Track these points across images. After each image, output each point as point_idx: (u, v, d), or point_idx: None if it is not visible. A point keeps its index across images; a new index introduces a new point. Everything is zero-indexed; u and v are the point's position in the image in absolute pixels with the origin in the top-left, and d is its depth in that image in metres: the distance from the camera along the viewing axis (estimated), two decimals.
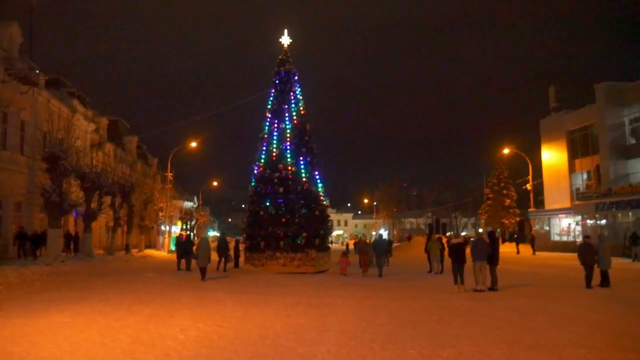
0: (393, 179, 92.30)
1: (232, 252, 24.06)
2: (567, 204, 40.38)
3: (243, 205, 26.23)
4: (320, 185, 24.59)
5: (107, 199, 32.51)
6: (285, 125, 23.62)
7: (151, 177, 51.81)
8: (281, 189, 22.64)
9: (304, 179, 23.05)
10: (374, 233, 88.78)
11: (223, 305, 11.83)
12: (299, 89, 25.04)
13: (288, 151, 23.08)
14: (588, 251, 15.42)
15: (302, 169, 23.24)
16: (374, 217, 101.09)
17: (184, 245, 23.03)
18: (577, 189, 40.67)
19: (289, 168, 22.68)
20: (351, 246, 40.73)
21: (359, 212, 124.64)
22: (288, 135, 23.39)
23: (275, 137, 23.48)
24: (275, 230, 22.21)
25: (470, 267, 14.72)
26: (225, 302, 12.35)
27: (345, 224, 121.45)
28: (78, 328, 8.81)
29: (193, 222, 63.20)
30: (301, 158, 23.47)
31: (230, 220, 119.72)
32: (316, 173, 24.56)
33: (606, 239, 18.79)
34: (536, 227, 45.11)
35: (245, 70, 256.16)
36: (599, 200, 34.95)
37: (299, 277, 19.40)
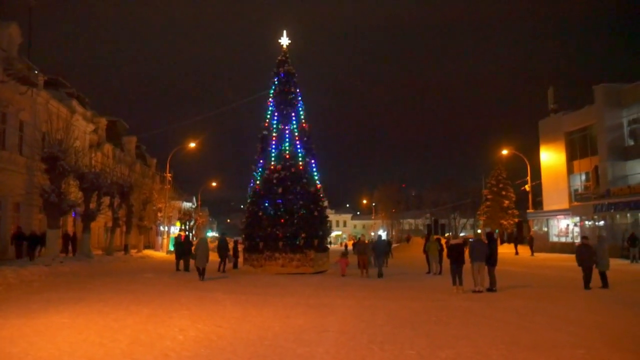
0: (392, 180, 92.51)
1: (231, 253, 24.07)
2: (566, 205, 40.41)
3: (242, 206, 26.19)
4: (317, 175, 24.52)
5: (106, 200, 32.47)
6: (284, 125, 23.62)
7: (150, 178, 51.77)
8: (280, 190, 22.67)
9: (304, 180, 23.06)
10: (372, 234, 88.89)
11: (222, 305, 11.83)
12: (298, 90, 25.05)
13: (287, 152, 23.09)
14: (586, 252, 15.44)
15: (300, 169, 23.22)
16: (373, 217, 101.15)
17: (182, 246, 23.03)
18: (576, 190, 40.69)
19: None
20: (350, 247, 40.72)
21: (358, 213, 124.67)
22: (287, 135, 23.40)
23: (274, 138, 23.48)
24: (274, 231, 22.22)
25: (469, 268, 14.74)
26: (224, 302, 12.35)
27: (344, 224, 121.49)
28: (77, 328, 8.81)
29: (192, 223, 63.19)
30: (300, 158, 23.46)
31: (229, 220, 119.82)
32: (315, 173, 24.55)
33: (605, 240, 18.81)
34: (535, 228, 45.15)
35: (245, 71, 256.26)
36: (597, 202, 34.99)
37: (297, 278, 19.41)
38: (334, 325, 9.28)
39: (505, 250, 39.42)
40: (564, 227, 41.18)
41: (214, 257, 23.93)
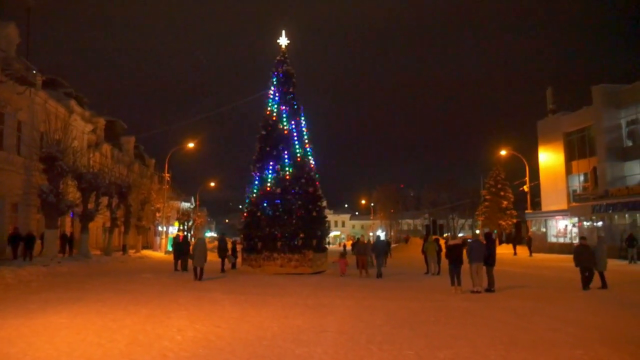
0: (390, 180, 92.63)
1: (229, 253, 24.05)
2: (564, 206, 40.47)
3: (240, 206, 26.20)
4: (317, 185, 24.56)
5: (104, 200, 32.44)
6: (283, 125, 23.62)
7: (148, 178, 51.70)
8: (278, 190, 22.67)
9: (302, 180, 23.06)
10: (371, 234, 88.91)
11: (220, 306, 11.82)
12: (297, 89, 25.07)
13: (284, 152, 23.08)
14: (584, 253, 15.44)
15: (299, 169, 23.22)
16: (372, 218, 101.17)
17: (181, 246, 23.02)
18: (574, 191, 40.74)
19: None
20: (348, 247, 40.72)
21: (357, 213, 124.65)
22: (285, 135, 23.39)
23: (272, 138, 23.47)
24: (273, 231, 22.22)
25: (467, 269, 14.75)
26: (223, 302, 12.34)
27: (343, 224, 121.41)
28: (75, 329, 8.79)
29: (190, 223, 63.13)
30: (298, 158, 23.46)
31: (227, 220, 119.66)
32: (313, 173, 24.53)
33: (604, 240, 18.83)
34: (533, 228, 45.20)
35: (243, 71, 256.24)
36: (595, 202, 35.05)
37: (296, 278, 19.40)
38: (333, 326, 9.28)
39: (503, 250, 39.46)
40: (563, 228, 41.25)
41: (213, 257, 23.91)
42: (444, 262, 17.50)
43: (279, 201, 22.58)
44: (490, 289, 14.67)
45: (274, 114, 23.91)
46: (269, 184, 22.86)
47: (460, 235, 71.37)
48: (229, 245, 24.47)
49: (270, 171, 22.99)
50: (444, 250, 19.76)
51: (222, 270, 22.48)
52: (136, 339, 8.01)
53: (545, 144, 43.99)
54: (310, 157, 24.55)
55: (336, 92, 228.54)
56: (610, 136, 35.86)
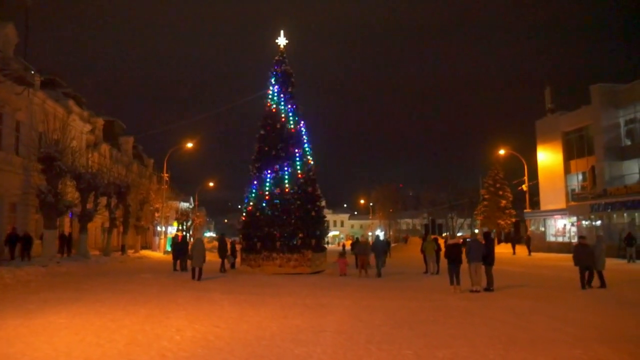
0: (389, 180, 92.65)
1: (228, 253, 24.03)
2: (563, 205, 40.52)
3: (239, 206, 26.20)
4: (316, 185, 24.56)
5: (103, 200, 32.39)
6: (282, 125, 23.62)
7: (147, 178, 51.63)
8: (277, 190, 22.67)
9: (299, 178, 23.05)
10: (370, 233, 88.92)
11: (219, 305, 11.82)
12: (296, 89, 25.06)
13: (283, 152, 23.07)
14: (583, 252, 15.45)
15: (298, 168, 23.24)
16: (370, 217, 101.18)
17: (180, 246, 23.00)
18: (573, 190, 40.80)
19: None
20: (348, 247, 40.70)
21: (355, 213, 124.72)
22: (284, 135, 23.39)
23: (271, 138, 23.46)
24: (272, 231, 22.22)
25: (466, 268, 14.76)
26: (222, 302, 12.33)
27: (342, 224, 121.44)
28: (74, 329, 8.78)
29: (189, 223, 63.06)
30: (298, 158, 23.46)
31: (226, 220, 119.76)
32: (312, 173, 24.54)
33: (603, 239, 18.85)
34: (532, 228, 45.24)
35: (242, 71, 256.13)
36: (594, 202, 35.08)
37: (295, 278, 19.41)
38: (332, 326, 9.28)
39: (502, 250, 39.50)
40: (561, 227, 41.29)
41: (212, 257, 23.88)
42: (443, 261, 17.51)
43: (277, 201, 22.58)
44: (489, 288, 14.68)
45: (275, 113, 23.87)
46: (267, 184, 22.85)
47: (459, 234, 71.42)
48: (228, 246, 24.46)
49: (269, 171, 22.97)
50: (443, 249, 19.77)
51: (222, 270, 22.47)
52: (135, 339, 8.01)
53: (544, 144, 44.03)
54: (309, 157, 24.55)
55: (335, 92, 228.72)
56: (609, 135, 35.91)
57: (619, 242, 30.66)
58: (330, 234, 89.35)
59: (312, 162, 24.69)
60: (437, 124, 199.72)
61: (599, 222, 35.38)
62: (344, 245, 42.19)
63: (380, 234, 78.87)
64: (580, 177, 40.30)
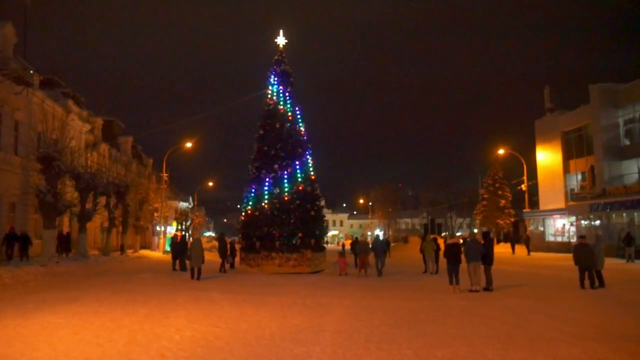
0: (389, 179, 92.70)
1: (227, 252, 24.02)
2: (562, 205, 40.54)
3: (238, 206, 26.19)
4: (316, 185, 24.53)
5: (102, 200, 32.36)
6: (281, 125, 23.60)
7: (146, 178, 51.61)
8: (277, 190, 22.66)
9: (299, 179, 23.05)
10: (369, 233, 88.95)
11: (219, 305, 11.81)
12: (295, 89, 25.06)
13: (282, 152, 23.05)
14: (583, 252, 15.44)
15: (297, 169, 23.23)
16: (370, 217, 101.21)
17: (179, 246, 22.98)
18: (572, 190, 40.84)
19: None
20: (347, 246, 40.70)
21: (355, 213, 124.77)
22: (283, 135, 23.38)
23: (270, 137, 23.45)
24: (271, 231, 22.21)
25: (466, 268, 14.76)
26: (221, 302, 12.33)
27: (341, 224, 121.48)
28: (73, 329, 8.78)
29: (188, 223, 63.04)
30: (296, 158, 23.44)
31: (225, 220, 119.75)
32: (311, 173, 24.52)
33: (602, 239, 18.84)
34: (531, 227, 45.27)
35: (241, 71, 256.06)
36: (593, 201, 35.10)
37: (294, 278, 19.41)
38: (331, 325, 9.28)
39: (501, 249, 39.54)
40: (560, 227, 41.31)
41: (211, 257, 23.86)
42: (442, 261, 17.51)
43: (276, 201, 22.56)
44: (488, 287, 14.69)
45: (274, 113, 23.86)
46: (267, 184, 22.83)
47: (458, 234, 71.45)
48: (228, 245, 24.43)
49: (268, 171, 22.95)
50: (442, 249, 19.77)
51: (222, 270, 22.47)
52: (134, 339, 8.00)
53: (543, 143, 44.06)
54: (308, 156, 24.53)
55: (335, 92, 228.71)
56: (608, 135, 35.92)
57: (618, 241, 30.68)
58: (330, 233, 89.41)
59: (311, 162, 24.66)
60: (437, 123, 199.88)
61: (598, 222, 35.40)
62: (343, 245, 42.19)
63: (380, 233, 78.92)
64: (580, 176, 40.33)
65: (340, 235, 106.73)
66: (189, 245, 22.58)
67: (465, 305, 12.01)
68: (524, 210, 47.20)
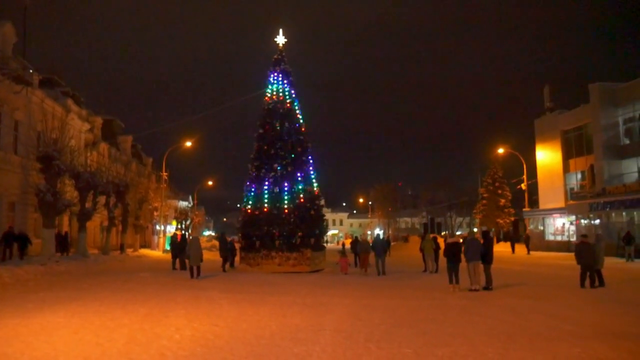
0: (388, 178, 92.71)
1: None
2: (562, 204, 40.55)
3: (238, 205, 26.19)
4: (315, 184, 24.54)
5: (102, 199, 32.36)
6: (280, 124, 23.59)
7: (146, 177, 51.61)
8: (276, 189, 22.66)
9: (299, 178, 23.04)
10: (369, 232, 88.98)
11: (218, 304, 11.81)
12: (294, 88, 25.05)
13: (282, 151, 23.04)
14: (585, 250, 15.43)
15: (297, 167, 23.21)
16: (369, 216, 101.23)
17: (179, 245, 22.98)
18: (572, 189, 40.85)
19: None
20: (347, 245, 40.71)
21: (354, 212, 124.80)
22: (283, 134, 23.38)
23: (270, 136, 23.45)
24: (271, 230, 22.20)
25: (465, 267, 14.77)
26: (221, 301, 12.33)
27: (341, 223, 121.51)
28: (73, 328, 8.78)
29: (188, 222, 63.06)
30: (296, 157, 23.43)
31: (225, 219, 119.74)
32: (311, 172, 24.53)
33: (602, 238, 18.86)
34: (531, 226, 45.28)
35: (241, 70, 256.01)
36: (593, 200, 35.10)
37: (294, 277, 19.40)
38: (331, 324, 9.28)
39: (501, 248, 39.55)
40: (560, 226, 41.32)
41: (210, 256, 23.85)
42: (442, 260, 17.52)
43: (276, 200, 22.56)
44: (488, 287, 14.69)
45: (274, 112, 23.84)
46: (266, 183, 22.83)
47: (458, 233, 71.47)
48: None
49: (268, 170, 22.94)
50: (442, 248, 19.78)
51: (224, 269, 22.47)
52: (134, 338, 8.00)
53: (543, 142, 44.07)
54: (308, 156, 24.51)
55: (334, 91, 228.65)
56: (608, 134, 35.93)
57: (617, 240, 30.68)
58: (329, 232, 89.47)
59: (311, 160, 24.66)
60: (436, 122, 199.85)
61: (597, 221, 35.39)
62: (343, 244, 42.21)
63: (380, 232, 78.94)
64: (579, 175, 40.33)
65: (340, 235, 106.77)
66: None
67: (465, 304, 12.02)
68: (524, 209, 47.20)
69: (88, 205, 29.20)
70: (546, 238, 42.52)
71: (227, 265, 23.50)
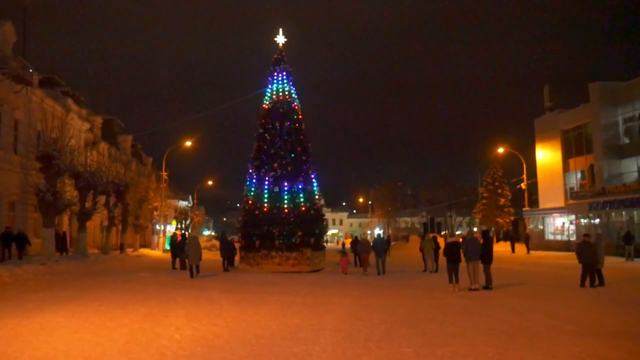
0: (388, 178, 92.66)
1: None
2: (561, 203, 40.56)
3: (238, 205, 26.17)
4: (315, 183, 24.54)
5: (102, 198, 32.36)
6: (280, 123, 23.58)
7: (146, 177, 51.58)
8: (276, 188, 22.66)
9: (300, 179, 23.03)
10: (369, 232, 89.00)
11: (218, 304, 11.81)
12: (294, 88, 25.04)
13: (282, 151, 23.04)
14: (587, 250, 15.42)
15: (297, 167, 23.19)
16: (369, 216, 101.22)
17: (178, 245, 22.98)
18: (571, 188, 40.85)
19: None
20: (347, 245, 40.71)
21: (354, 211, 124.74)
22: (282, 134, 23.37)
23: (270, 136, 23.44)
24: (271, 229, 22.20)
25: (465, 266, 14.77)
26: (221, 301, 12.33)
27: (340, 223, 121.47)
28: (73, 328, 8.78)
29: (188, 222, 63.05)
30: (296, 157, 23.42)
31: (225, 219, 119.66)
32: (311, 172, 24.52)
33: (602, 237, 18.83)
34: (530, 226, 45.29)
35: (241, 69, 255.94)
36: (592, 200, 35.10)
37: (294, 276, 19.40)
38: (331, 324, 9.28)
39: (501, 248, 39.53)
40: (560, 225, 41.33)
41: (209, 255, 23.83)
42: (442, 259, 17.52)
43: (276, 199, 22.55)
44: (487, 286, 14.69)
45: (274, 112, 23.83)
46: (267, 183, 22.82)
47: (457, 232, 71.45)
48: None
49: (268, 170, 22.93)
50: (442, 247, 19.78)
51: (226, 269, 22.47)
52: (134, 338, 8.00)
53: (543, 142, 44.07)
54: (308, 155, 24.50)
55: (335, 91, 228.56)
56: (607, 133, 35.93)
57: (617, 240, 30.69)
58: (329, 232, 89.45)
59: (311, 161, 24.66)
60: (436, 122, 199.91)
61: (597, 221, 35.40)
62: (343, 244, 42.21)
63: (380, 232, 78.96)
64: (579, 175, 40.34)
65: (340, 234, 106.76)
66: None
67: (465, 303, 12.02)
68: (524, 208, 47.20)
69: (88, 204, 29.20)
70: (546, 237, 42.53)
71: (227, 265, 23.50)
